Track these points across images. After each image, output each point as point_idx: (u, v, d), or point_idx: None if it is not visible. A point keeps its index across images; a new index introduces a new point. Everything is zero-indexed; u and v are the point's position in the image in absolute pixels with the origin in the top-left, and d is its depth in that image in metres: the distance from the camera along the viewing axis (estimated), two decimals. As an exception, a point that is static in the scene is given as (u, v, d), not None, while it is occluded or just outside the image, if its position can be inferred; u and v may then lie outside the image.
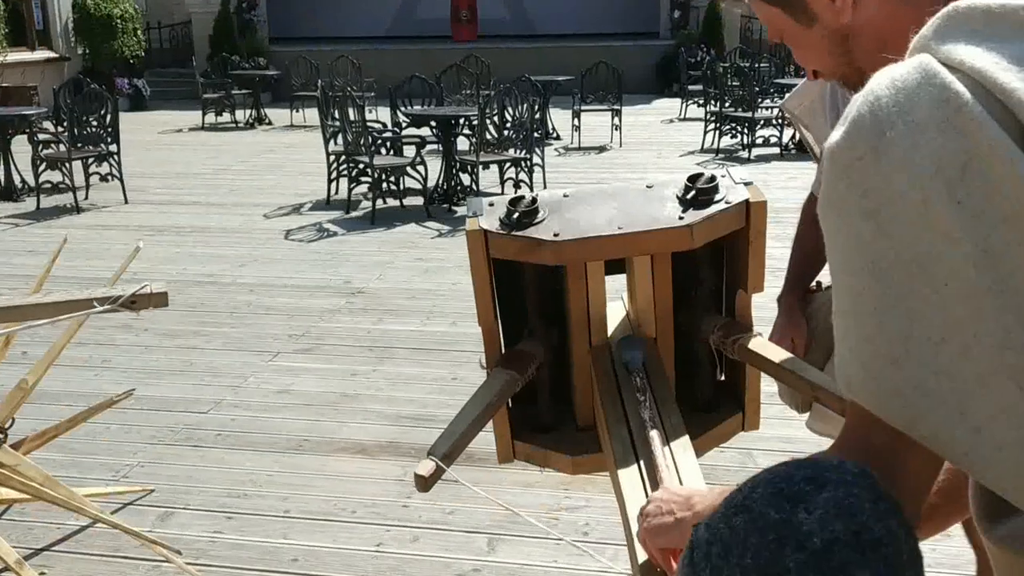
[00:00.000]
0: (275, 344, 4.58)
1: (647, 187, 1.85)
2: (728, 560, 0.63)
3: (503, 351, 1.85)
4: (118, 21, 15.85)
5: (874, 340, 0.77)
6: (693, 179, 1.77)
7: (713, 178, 1.79)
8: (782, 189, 7.86)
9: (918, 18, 0.82)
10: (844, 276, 0.79)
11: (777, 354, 1.82)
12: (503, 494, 3.03)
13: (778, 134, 10.38)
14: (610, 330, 1.97)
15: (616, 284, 1.96)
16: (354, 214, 7.57)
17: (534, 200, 1.71)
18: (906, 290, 0.74)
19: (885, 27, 0.90)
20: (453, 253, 6.10)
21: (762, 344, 1.83)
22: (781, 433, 3.49)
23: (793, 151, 10.09)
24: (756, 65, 12.36)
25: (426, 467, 1.42)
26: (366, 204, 7.64)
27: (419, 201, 7.61)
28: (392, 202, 7.71)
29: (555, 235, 1.64)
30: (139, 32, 16.54)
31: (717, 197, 1.76)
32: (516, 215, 1.67)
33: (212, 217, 7.58)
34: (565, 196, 1.81)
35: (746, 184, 1.83)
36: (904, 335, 0.75)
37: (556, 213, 1.71)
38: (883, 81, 0.76)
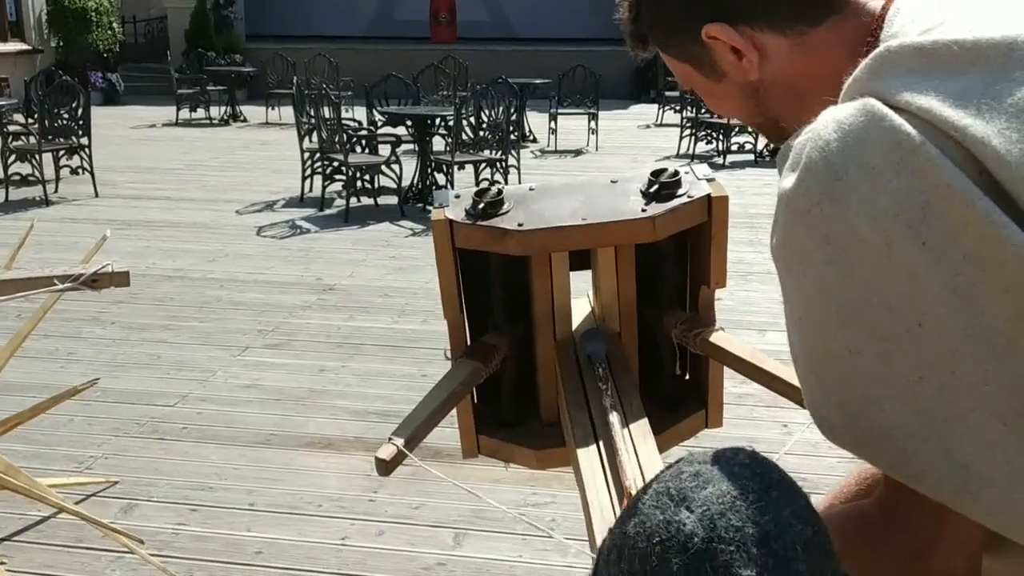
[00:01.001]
0: (244, 339, 4.56)
1: (612, 182, 1.88)
2: (620, 566, 0.60)
3: (468, 344, 1.86)
4: (93, 14, 15.68)
5: (851, 383, 0.77)
6: (656, 174, 1.81)
7: (676, 173, 1.82)
8: (756, 195, 7.93)
9: (832, 67, 0.83)
10: (810, 322, 0.79)
11: (738, 348, 1.85)
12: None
13: (753, 141, 10.47)
14: (575, 326, 1.99)
15: (582, 282, 1.98)
16: (327, 212, 7.55)
17: (500, 192, 1.73)
18: (878, 332, 0.74)
19: (797, 79, 0.89)
20: (427, 252, 6.09)
21: (724, 338, 1.85)
22: (748, 434, 3.52)
23: (767, 157, 10.19)
24: (731, 73, 12.44)
25: (387, 451, 1.43)
26: (340, 202, 7.62)
27: (393, 200, 7.60)
28: (366, 201, 7.69)
29: (519, 225, 1.66)
30: (114, 25, 16.38)
31: (679, 191, 1.79)
32: (481, 205, 1.69)
33: (183, 212, 7.52)
34: (531, 189, 1.83)
35: (709, 180, 1.87)
36: (880, 376, 0.75)
37: (521, 205, 1.73)
38: (829, 125, 0.76)
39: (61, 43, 15.68)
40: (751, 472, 0.64)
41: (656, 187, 1.76)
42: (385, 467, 1.45)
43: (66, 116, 8.16)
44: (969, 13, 0.80)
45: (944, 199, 0.70)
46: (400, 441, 1.47)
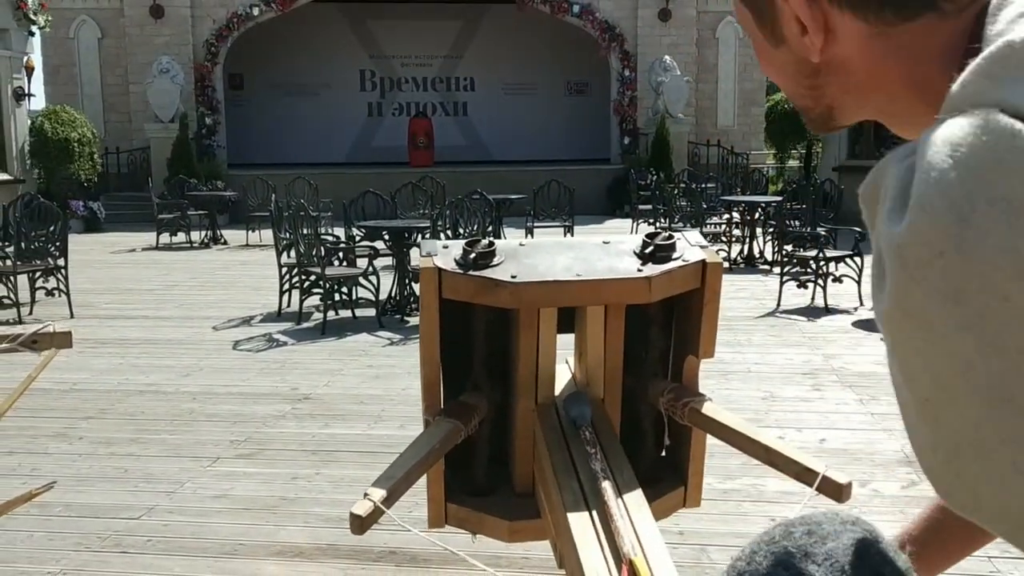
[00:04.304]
0: (215, 450, 4.42)
1: (604, 242, 1.85)
2: None
3: (442, 403, 1.79)
4: (75, 145, 15.94)
5: (1005, 478, 0.63)
6: (652, 236, 1.78)
7: (671, 236, 1.80)
8: (731, 300, 7.96)
9: (914, 74, 0.70)
10: (944, 406, 0.64)
11: (729, 418, 1.78)
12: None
13: (726, 249, 10.60)
14: (556, 392, 1.92)
15: (561, 347, 1.92)
16: (305, 325, 7.49)
17: (491, 243, 1.69)
18: None
19: (865, 75, 0.76)
20: (404, 360, 6.02)
21: (714, 408, 1.79)
22: (736, 529, 3.40)
23: (741, 264, 10.30)
24: (703, 185, 12.74)
25: (364, 507, 1.35)
26: (317, 316, 7.58)
27: (371, 312, 7.57)
28: (344, 313, 7.65)
29: (513, 277, 1.62)
30: (95, 156, 16.62)
31: (675, 255, 1.76)
32: (473, 256, 1.66)
33: (160, 330, 7.44)
34: (521, 245, 1.79)
35: (702, 247, 1.84)
36: None
37: (513, 259, 1.69)
38: (940, 150, 0.60)
39: (42, 173, 15.86)
40: (860, 528, 0.67)
41: (651, 249, 1.73)
42: (361, 524, 1.36)
43: (43, 238, 8.16)
44: None
45: None
46: (378, 497, 1.38)
